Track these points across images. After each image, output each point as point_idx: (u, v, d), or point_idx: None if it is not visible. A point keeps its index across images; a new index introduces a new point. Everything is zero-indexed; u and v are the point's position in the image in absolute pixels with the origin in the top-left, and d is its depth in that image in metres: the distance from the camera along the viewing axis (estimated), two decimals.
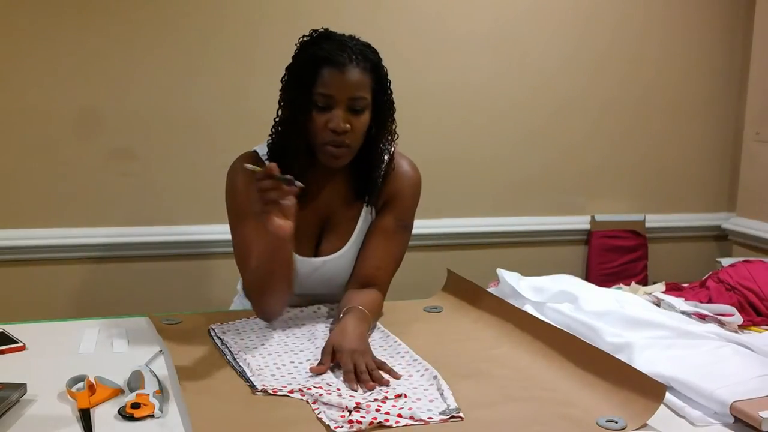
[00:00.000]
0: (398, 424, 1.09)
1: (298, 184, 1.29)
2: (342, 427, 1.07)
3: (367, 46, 1.48)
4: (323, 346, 1.32)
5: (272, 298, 1.47)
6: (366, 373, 1.22)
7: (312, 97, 1.42)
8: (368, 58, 1.45)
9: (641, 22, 2.85)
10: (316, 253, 1.59)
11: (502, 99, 2.74)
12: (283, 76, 1.49)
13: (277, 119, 1.50)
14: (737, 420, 1.11)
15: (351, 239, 1.58)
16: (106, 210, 2.42)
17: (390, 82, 1.51)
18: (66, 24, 2.30)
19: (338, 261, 1.59)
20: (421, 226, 2.65)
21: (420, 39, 2.62)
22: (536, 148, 2.81)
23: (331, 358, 1.28)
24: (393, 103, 1.52)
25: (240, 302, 1.79)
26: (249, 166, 1.31)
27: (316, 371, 1.25)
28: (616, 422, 1.09)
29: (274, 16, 2.46)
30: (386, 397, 1.16)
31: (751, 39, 2.93)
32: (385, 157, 1.56)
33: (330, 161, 1.47)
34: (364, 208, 1.59)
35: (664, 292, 1.75)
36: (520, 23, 2.72)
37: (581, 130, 2.86)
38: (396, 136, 1.55)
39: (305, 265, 1.57)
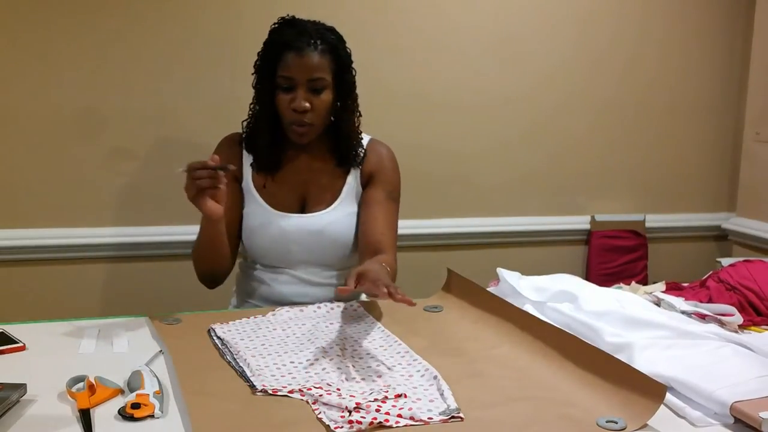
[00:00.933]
0: (398, 425, 1.09)
1: (231, 167, 1.44)
2: (342, 427, 1.07)
3: (329, 29, 1.62)
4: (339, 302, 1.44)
5: (210, 269, 1.68)
6: (391, 286, 1.26)
7: (276, 79, 1.58)
8: (327, 40, 1.58)
9: (641, 22, 2.85)
10: (303, 212, 1.70)
11: (501, 98, 2.74)
12: (255, 62, 1.66)
13: (252, 103, 1.68)
14: (737, 420, 1.11)
15: (340, 197, 1.68)
16: (106, 210, 2.42)
17: (352, 62, 1.64)
18: (66, 24, 2.30)
19: (327, 217, 1.67)
20: (421, 226, 2.68)
21: (419, 38, 2.62)
22: (536, 147, 2.81)
23: (356, 282, 1.33)
24: (354, 82, 1.66)
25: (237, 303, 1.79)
26: (179, 170, 1.48)
27: (343, 291, 1.27)
28: (616, 422, 1.09)
29: (275, 16, 2.46)
30: (386, 397, 1.16)
31: (751, 39, 2.93)
32: (358, 130, 1.71)
33: (296, 138, 1.62)
34: (351, 172, 1.70)
35: (664, 292, 1.75)
36: (520, 22, 2.72)
37: (581, 129, 2.86)
38: (359, 114, 1.69)
39: (287, 220, 1.66)
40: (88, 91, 2.35)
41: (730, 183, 3.07)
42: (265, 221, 1.68)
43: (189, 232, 2.45)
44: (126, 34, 2.35)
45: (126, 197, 2.43)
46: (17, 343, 1.39)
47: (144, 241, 2.44)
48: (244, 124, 1.72)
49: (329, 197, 1.69)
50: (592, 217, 2.92)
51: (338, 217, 1.68)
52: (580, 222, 2.92)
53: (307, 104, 1.57)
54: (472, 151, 2.74)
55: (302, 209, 1.70)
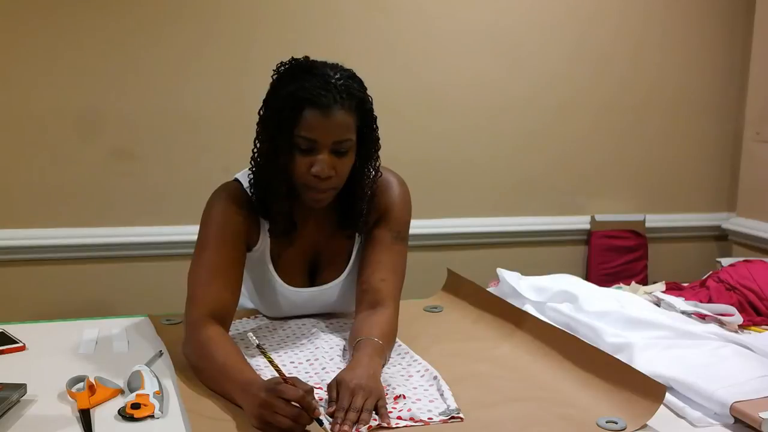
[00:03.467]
0: (398, 426, 1.09)
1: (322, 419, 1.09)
2: None
3: (352, 77, 1.37)
4: (330, 380, 1.20)
5: None
6: (356, 411, 1.09)
7: (293, 138, 1.32)
8: (353, 95, 1.34)
9: (641, 23, 2.85)
10: (314, 282, 1.54)
11: (502, 99, 2.74)
12: (260, 108, 1.39)
13: (255, 151, 1.41)
14: (737, 421, 1.11)
15: (349, 266, 1.53)
16: (106, 210, 2.42)
17: (376, 118, 1.41)
18: (66, 24, 2.30)
19: (338, 287, 1.54)
20: (421, 226, 2.68)
21: (420, 38, 2.62)
22: (536, 148, 2.81)
23: (337, 392, 1.16)
24: (378, 138, 1.43)
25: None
26: (254, 340, 1.14)
27: (329, 414, 1.12)
28: (616, 423, 1.09)
29: (273, 16, 2.46)
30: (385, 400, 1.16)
31: (751, 39, 2.93)
32: (374, 183, 1.48)
33: (313, 203, 1.40)
34: (357, 236, 1.53)
35: (664, 292, 1.75)
36: (521, 23, 2.72)
37: (581, 130, 2.86)
38: (379, 174, 1.47)
39: (301, 295, 1.52)
40: (89, 92, 2.35)
41: (730, 183, 3.07)
42: (277, 297, 1.53)
43: (189, 232, 2.45)
44: (126, 35, 2.35)
45: (126, 197, 2.43)
46: (17, 343, 1.39)
47: (144, 241, 2.44)
48: (250, 182, 1.44)
49: (339, 263, 1.53)
50: (592, 217, 2.92)
51: (350, 286, 1.54)
52: (580, 222, 2.92)
53: (332, 171, 1.33)
54: (473, 151, 2.74)
55: (313, 275, 1.55)
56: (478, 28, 2.68)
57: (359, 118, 1.36)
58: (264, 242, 1.46)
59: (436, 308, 1.69)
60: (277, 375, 1.11)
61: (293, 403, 1.06)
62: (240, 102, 2.42)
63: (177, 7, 2.38)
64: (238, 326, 1.51)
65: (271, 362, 1.12)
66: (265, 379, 1.14)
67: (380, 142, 1.43)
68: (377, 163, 1.45)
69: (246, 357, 1.27)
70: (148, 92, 2.39)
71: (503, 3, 2.69)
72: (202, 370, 1.25)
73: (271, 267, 1.48)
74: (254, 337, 1.14)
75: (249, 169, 1.43)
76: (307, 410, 1.06)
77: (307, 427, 1.06)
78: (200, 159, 2.45)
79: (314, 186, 1.35)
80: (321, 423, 1.07)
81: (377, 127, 1.42)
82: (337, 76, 1.32)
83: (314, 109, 1.30)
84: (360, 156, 1.40)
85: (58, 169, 2.35)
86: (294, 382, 1.09)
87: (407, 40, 2.61)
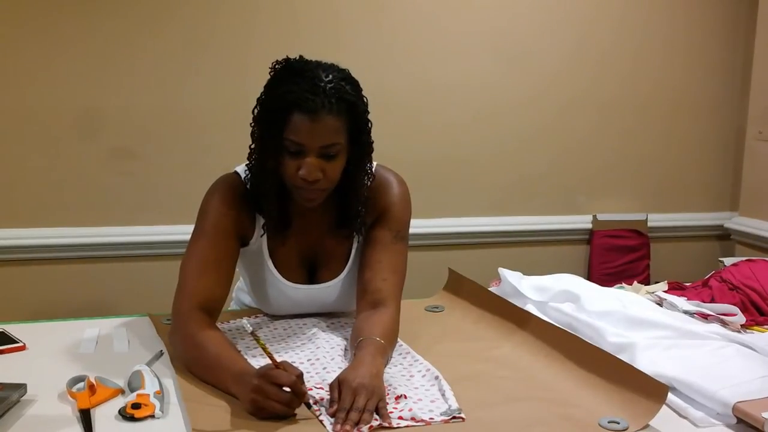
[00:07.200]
0: (399, 426, 1.09)
1: (313, 407, 1.14)
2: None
3: (345, 79, 1.34)
4: (331, 380, 1.19)
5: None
6: (358, 412, 1.09)
7: (282, 141, 1.32)
8: (343, 98, 1.31)
9: (644, 22, 2.85)
10: (313, 280, 1.53)
11: (504, 98, 2.74)
12: (255, 107, 1.39)
13: (252, 147, 1.42)
14: (740, 421, 1.11)
15: (348, 266, 1.53)
16: (106, 210, 2.42)
17: (369, 121, 1.39)
18: (66, 24, 2.30)
19: (337, 286, 1.54)
20: (422, 225, 2.68)
21: (422, 38, 2.62)
22: (538, 147, 2.81)
23: (339, 392, 1.15)
24: (371, 141, 1.42)
25: (236, 303, 1.78)
26: (249, 329, 1.17)
27: (331, 414, 1.12)
28: (618, 423, 1.09)
29: (273, 15, 2.46)
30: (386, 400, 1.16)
31: (753, 38, 2.92)
32: (367, 185, 1.48)
33: (305, 203, 1.40)
34: (356, 236, 1.53)
35: (666, 292, 1.75)
36: (523, 23, 2.72)
37: (583, 129, 2.85)
38: (373, 178, 1.47)
39: (299, 292, 1.52)
40: (89, 91, 2.35)
41: (732, 182, 3.07)
42: (277, 292, 1.52)
43: (189, 231, 2.45)
44: (126, 34, 2.35)
45: (126, 197, 2.43)
46: (17, 343, 1.39)
47: (143, 241, 2.44)
48: (245, 175, 1.46)
49: (338, 263, 1.53)
50: (594, 217, 2.92)
51: (349, 286, 1.54)
52: (582, 221, 2.92)
53: (320, 174, 1.33)
54: (474, 150, 2.74)
55: (312, 273, 1.53)
56: (480, 27, 2.67)
57: (350, 121, 1.34)
58: (260, 236, 1.47)
59: (437, 308, 1.68)
60: (269, 362, 1.13)
61: (285, 388, 1.09)
62: (240, 101, 2.39)
63: (177, 6, 2.38)
64: (238, 326, 1.51)
65: (264, 348, 1.13)
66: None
67: (374, 144, 1.42)
68: (370, 166, 1.45)
69: (239, 349, 1.30)
70: (149, 91, 2.39)
71: (505, 3, 2.68)
72: (194, 360, 1.27)
73: (269, 261, 1.49)
74: (249, 325, 1.16)
75: (246, 164, 1.44)
76: (297, 395, 1.10)
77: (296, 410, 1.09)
78: (200, 158, 2.45)
79: (303, 187, 1.36)
80: (309, 406, 1.11)
81: (370, 130, 1.40)
82: (328, 79, 1.31)
83: (301, 113, 1.29)
84: (352, 158, 1.40)
85: (58, 169, 2.35)
86: (285, 366, 1.12)
87: (408, 40, 2.61)
